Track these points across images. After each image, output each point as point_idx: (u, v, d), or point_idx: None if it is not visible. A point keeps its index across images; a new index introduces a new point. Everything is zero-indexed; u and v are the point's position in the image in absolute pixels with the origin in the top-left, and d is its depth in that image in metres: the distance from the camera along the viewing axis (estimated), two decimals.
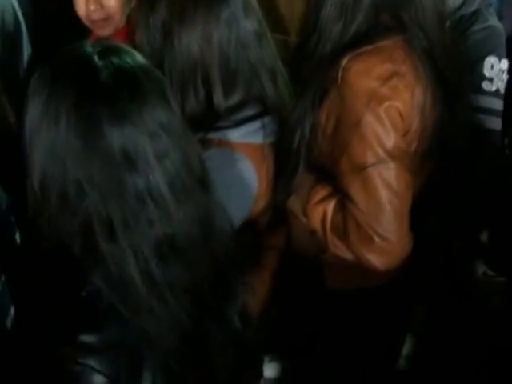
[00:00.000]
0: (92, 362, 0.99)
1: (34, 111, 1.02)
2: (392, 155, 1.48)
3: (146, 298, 1.02)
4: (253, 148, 1.53)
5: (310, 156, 1.62)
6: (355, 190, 1.50)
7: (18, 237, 1.54)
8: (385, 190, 1.48)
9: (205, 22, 1.45)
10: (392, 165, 1.48)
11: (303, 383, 2.10)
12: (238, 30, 1.49)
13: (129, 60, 1.04)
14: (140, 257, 1.01)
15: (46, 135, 1.00)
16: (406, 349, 2.22)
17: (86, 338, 1.00)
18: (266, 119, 1.55)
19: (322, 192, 1.61)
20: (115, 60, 1.02)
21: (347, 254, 1.57)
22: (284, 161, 1.61)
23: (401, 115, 1.50)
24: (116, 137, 0.99)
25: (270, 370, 2.46)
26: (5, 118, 1.84)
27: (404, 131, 1.51)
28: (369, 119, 1.47)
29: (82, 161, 0.99)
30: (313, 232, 1.64)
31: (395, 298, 1.76)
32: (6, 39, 1.99)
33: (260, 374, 1.75)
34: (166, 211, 1.03)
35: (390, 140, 1.48)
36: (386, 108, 1.47)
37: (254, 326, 1.23)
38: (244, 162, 1.50)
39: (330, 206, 1.58)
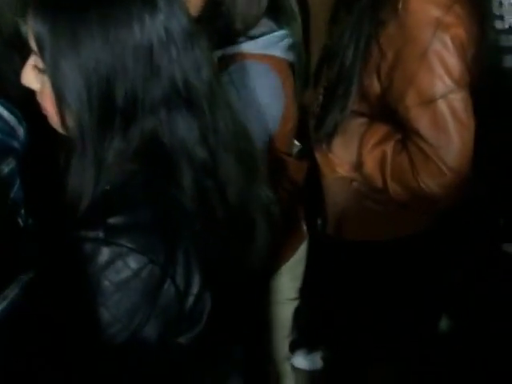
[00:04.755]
0: (127, 242, 0.96)
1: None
2: (460, 84, 1.47)
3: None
4: (276, 60, 1.51)
5: (354, 95, 1.57)
6: (424, 124, 1.47)
7: None
8: (454, 122, 1.46)
9: None
10: (460, 95, 1.47)
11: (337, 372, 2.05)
12: None
13: None
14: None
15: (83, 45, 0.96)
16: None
17: (117, 220, 0.96)
18: (283, 33, 1.54)
19: (376, 135, 1.58)
20: None
21: (405, 197, 1.54)
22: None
23: (463, 43, 1.48)
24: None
25: (301, 360, 2.42)
26: None
27: (465, 61, 1.50)
28: (436, 48, 1.45)
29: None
30: (351, 180, 1.62)
31: (431, 249, 1.71)
32: None
33: None
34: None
35: (458, 69, 1.47)
36: (451, 36, 1.46)
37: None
38: (270, 73, 1.48)
39: (389, 147, 1.55)
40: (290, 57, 1.58)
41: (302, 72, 1.64)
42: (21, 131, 1.38)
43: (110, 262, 0.95)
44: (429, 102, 1.46)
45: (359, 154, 1.61)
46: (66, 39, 0.97)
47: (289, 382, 1.99)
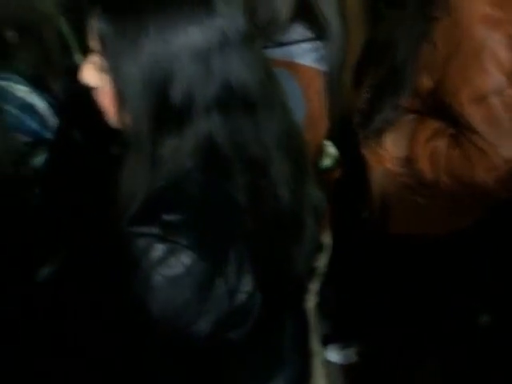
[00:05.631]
0: (181, 239, 0.96)
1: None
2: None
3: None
4: (300, 68, 1.51)
5: (406, 91, 1.59)
6: (479, 120, 1.49)
7: None
8: (509, 117, 1.48)
9: None
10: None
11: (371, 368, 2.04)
12: None
13: None
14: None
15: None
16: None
17: (173, 217, 0.97)
18: (317, 44, 1.53)
19: (428, 130, 1.59)
20: None
21: (458, 191, 1.56)
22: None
23: None
24: None
25: (335, 355, 2.42)
26: None
27: None
28: (489, 44, 1.47)
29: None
30: (400, 175, 1.64)
31: (478, 244, 1.72)
32: None
33: None
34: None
35: (510, 65, 1.48)
36: (504, 32, 1.47)
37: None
38: (287, 80, 1.45)
39: (442, 143, 1.56)
40: (323, 66, 1.56)
41: (336, 80, 1.61)
42: (54, 122, 1.40)
43: (164, 258, 0.96)
44: (483, 97, 1.48)
45: (411, 149, 1.62)
46: (127, 40, 0.98)
47: (319, 375, 1.99)
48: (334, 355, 2.41)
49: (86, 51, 1.12)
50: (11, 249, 1.26)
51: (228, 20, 1.00)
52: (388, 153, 1.65)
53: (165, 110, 0.99)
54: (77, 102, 1.65)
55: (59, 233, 1.41)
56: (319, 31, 1.54)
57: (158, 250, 0.96)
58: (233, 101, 1.00)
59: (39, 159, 1.35)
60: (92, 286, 1.14)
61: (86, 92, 1.11)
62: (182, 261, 0.96)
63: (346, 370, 2.40)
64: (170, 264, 0.96)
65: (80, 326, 1.23)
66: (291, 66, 1.50)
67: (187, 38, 0.98)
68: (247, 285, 1.00)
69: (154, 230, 0.96)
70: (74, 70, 1.79)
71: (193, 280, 0.97)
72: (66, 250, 1.38)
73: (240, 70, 1.00)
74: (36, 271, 1.36)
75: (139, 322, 1.00)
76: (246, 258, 1.00)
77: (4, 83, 1.33)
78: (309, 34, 1.54)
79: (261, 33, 1.44)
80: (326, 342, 2.33)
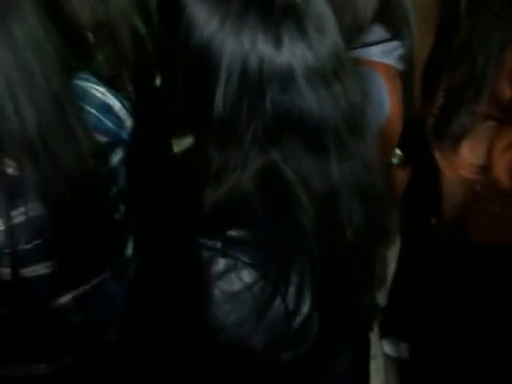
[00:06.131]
0: (243, 256, 0.97)
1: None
2: None
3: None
4: (386, 68, 1.50)
5: (485, 98, 1.57)
6: None
7: None
8: None
9: None
10: None
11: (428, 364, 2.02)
12: None
13: None
14: None
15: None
16: None
17: (236, 233, 0.98)
18: (395, 43, 1.53)
19: (507, 138, 1.57)
20: None
21: None
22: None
23: None
24: None
25: (391, 347, 2.41)
26: None
27: None
28: None
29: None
30: (474, 183, 1.62)
31: None
32: None
33: None
34: None
35: None
36: None
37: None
38: (376, 80, 1.48)
39: None
40: (401, 66, 1.56)
41: (411, 81, 1.61)
42: (129, 123, 1.42)
43: (224, 273, 0.97)
44: None
45: (488, 157, 1.60)
46: None
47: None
48: (388, 347, 2.42)
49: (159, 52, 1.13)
50: (90, 242, 1.29)
51: (295, 55, 0.98)
52: (463, 160, 1.63)
53: (226, 132, 1.00)
54: (149, 102, 1.69)
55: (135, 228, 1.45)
56: (396, 31, 1.53)
57: (220, 264, 0.97)
58: (300, 134, 0.99)
59: (116, 159, 1.38)
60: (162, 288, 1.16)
61: (158, 93, 1.13)
62: (243, 278, 0.97)
63: (399, 362, 2.41)
64: (230, 280, 0.97)
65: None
66: (374, 65, 1.50)
67: (249, 68, 0.97)
68: (306, 308, 1.00)
69: (218, 245, 0.97)
70: (147, 71, 1.83)
71: (251, 298, 0.97)
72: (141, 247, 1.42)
73: (306, 104, 0.98)
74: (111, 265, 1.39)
75: (199, 331, 1.02)
76: (307, 281, 1.00)
77: (84, 84, 1.35)
78: (387, 34, 1.54)
79: (345, 36, 1.45)
80: (382, 334, 2.34)
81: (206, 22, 1.00)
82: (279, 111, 0.98)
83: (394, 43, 1.53)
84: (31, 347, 1.36)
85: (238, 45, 0.97)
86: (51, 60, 1.24)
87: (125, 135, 1.40)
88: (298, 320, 0.99)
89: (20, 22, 1.20)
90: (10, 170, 1.21)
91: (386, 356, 2.41)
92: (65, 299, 1.33)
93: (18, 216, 1.22)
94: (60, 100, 1.24)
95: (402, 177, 1.71)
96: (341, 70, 1.02)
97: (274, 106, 0.97)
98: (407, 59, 1.56)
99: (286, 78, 0.97)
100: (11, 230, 1.21)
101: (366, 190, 1.06)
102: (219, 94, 0.98)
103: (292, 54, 0.97)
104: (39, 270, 1.27)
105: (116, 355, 1.44)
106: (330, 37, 1.02)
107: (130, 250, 1.44)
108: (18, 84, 1.19)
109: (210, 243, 0.98)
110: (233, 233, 0.98)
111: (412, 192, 1.78)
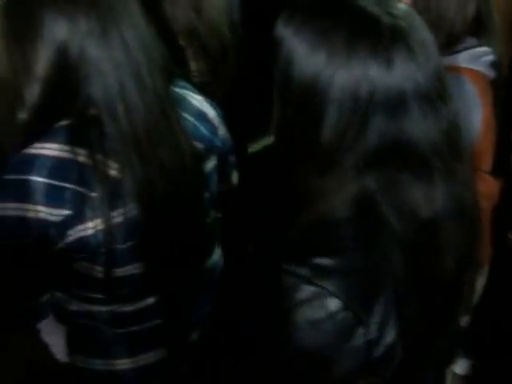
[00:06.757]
0: (328, 285, 0.96)
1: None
2: None
3: None
4: (476, 74, 1.49)
5: None
6: None
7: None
8: None
9: None
10: None
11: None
12: None
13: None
14: None
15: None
16: None
17: (323, 261, 0.98)
18: (486, 50, 1.53)
19: None
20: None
21: None
22: None
23: None
24: None
25: (460, 366, 2.39)
26: None
27: None
28: None
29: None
30: None
31: None
32: None
33: None
34: None
35: None
36: None
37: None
38: (467, 85, 1.47)
39: None
40: (492, 74, 1.55)
41: (500, 89, 1.60)
42: (222, 130, 1.45)
43: (308, 301, 0.97)
44: None
45: None
46: None
47: None
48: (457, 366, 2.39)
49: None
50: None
51: (408, 77, 0.96)
52: None
53: (314, 149, 1.00)
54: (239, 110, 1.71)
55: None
56: (484, 38, 1.54)
57: (305, 291, 0.97)
58: (397, 159, 0.98)
59: (210, 165, 1.41)
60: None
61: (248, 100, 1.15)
62: (326, 306, 0.97)
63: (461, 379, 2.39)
64: (314, 307, 0.97)
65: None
66: (469, 72, 1.50)
67: (355, 86, 0.96)
68: (390, 338, 0.99)
69: (304, 272, 0.97)
70: (237, 79, 1.86)
71: (333, 326, 0.97)
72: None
73: (414, 130, 0.97)
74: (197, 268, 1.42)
75: (273, 355, 1.02)
76: (392, 311, 0.99)
77: (182, 91, 1.39)
78: (474, 40, 1.54)
79: (441, 45, 1.45)
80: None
81: (308, 57, 0.99)
82: (385, 138, 0.96)
83: (482, 49, 1.53)
84: (113, 343, 1.40)
85: (349, 75, 0.96)
86: (157, 63, 1.28)
87: (218, 142, 1.43)
88: (380, 350, 0.99)
89: (131, 26, 1.24)
90: (112, 172, 1.24)
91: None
92: (152, 300, 1.37)
93: (117, 216, 1.25)
94: (164, 103, 1.28)
95: (496, 186, 1.68)
96: (444, 93, 1.00)
97: (379, 133, 0.96)
98: (497, 65, 1.55)
99: (395, 101, 0.96)
100: (110, 230, 1.25)
101: (467, 213, 1.04)
102: (327, 124, 0.97)
103: (404, 75, 0.96)
104: (131, 270, 1.31)
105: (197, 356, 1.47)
106: (433, 59, 1.00)
107: (215, 256, 1.47)
108: (128, 85, 1.22)
109: (296, 269, 0.98)
110: (321, 261, 0.98)
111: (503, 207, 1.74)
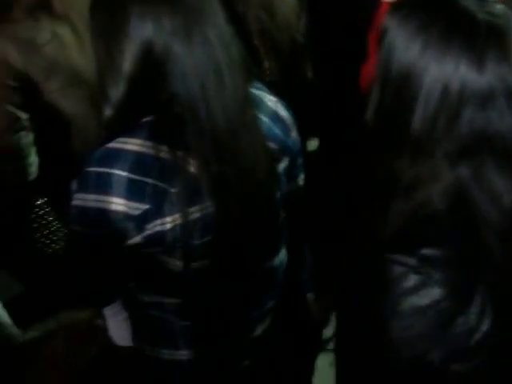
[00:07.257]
0: (434, 274, 1.01)
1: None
2: None
3: None
4: None
5: None
6: None
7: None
8: None
9: None
10: None
11: None
12: None
13: None
14: None
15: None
16: None
17: (429, 252, 1.02)
18: None
19: None
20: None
21: None
22: None
23: None
24: None
25: None
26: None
27: None
28: None
29: None
30: None
31: None
32: None
33: None
34: None
35: None
36: None
37: None
38: None
39: None
40: None
41: None
42: (294, 132, 1.47)
43: (415, 289, 1.02)
44: None
45: None
46: None
47: None
48: None
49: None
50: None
51: (498, 77, 1.01)
52: None
53: (405, 133, 1.04)
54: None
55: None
56: None
57: (412, 280, 1.02)
58: (487, 154, 1.02)
59: (282, 166, 1.43)
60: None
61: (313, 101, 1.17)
62: (431, 295, 1.02)
63: None
64: (420, 296, 1.02)
65: None
66: None
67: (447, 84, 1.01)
68: (486, 325, 1.03)
69: (412, 262, 1.02)
70: (302, 79, 1.88)
71: (435, 314, 1.02)
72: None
73: (498, 122, 1.01)
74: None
75: (376, 344, 1.06)
76: (490, 298, 1.03)
77: (258, 92, 1.41)
78: None
79: None
80: None
81: (406, 48, 1.05)
82: (475, 130, 1.01)
83: None
84: (181, 335, 1.43)
85: (440, 70, 1.02)
86: (237, 62, 1.31)
87: (290, 143, 1.45)
88: (477, 336, 1.03)
89: (214, 25, 1.28)
90: (192, 169, 1.27)
91: None
92: (219, 293, 1.40)
93: (195, 212, 1.29)
94: (243, 103, 1.31)
95: None
96: None
97: (469, 125, 1.01)
98: None
99: (485, 98, 1.01)
100: (187, 226, 1.28)
101: None
102: (418, 112, 1.03)
103: (495, 76, 1.00)
104: (206, 264, 1.34)
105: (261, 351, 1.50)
106: None
107: (281, 255, 1.50)
108: (209, 84, 1.25)
109: (404, 259, 1.03)
110: (426, 251, 1.03)
111: None
